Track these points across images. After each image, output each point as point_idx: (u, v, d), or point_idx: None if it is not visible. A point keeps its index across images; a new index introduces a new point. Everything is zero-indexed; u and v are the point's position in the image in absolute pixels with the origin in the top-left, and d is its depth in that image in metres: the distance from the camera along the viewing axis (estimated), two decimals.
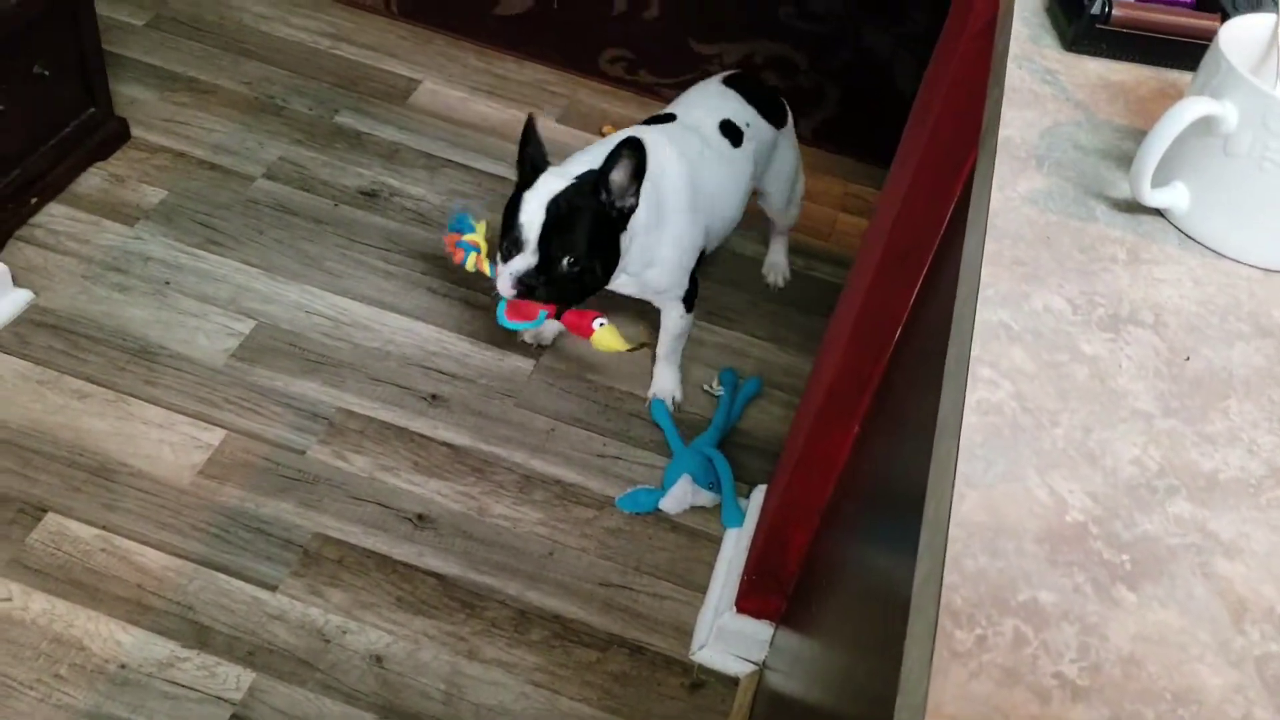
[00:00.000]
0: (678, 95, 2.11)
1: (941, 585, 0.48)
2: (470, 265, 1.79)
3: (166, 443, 1.78)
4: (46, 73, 1.97)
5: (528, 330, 2.03)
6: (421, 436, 1.87)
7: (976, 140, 0.83)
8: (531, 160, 1.73)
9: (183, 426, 1.81)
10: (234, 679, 1.54)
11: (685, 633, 1.70)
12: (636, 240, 1.77)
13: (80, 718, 1.47)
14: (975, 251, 0.66)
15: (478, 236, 1.80)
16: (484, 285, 2.10)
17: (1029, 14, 0.85)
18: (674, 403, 1.99)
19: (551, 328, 2.04)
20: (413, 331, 2.03)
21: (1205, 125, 0.65)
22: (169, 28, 2.55)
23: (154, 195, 2.16)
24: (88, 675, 1.51)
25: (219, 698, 1.52)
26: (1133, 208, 0.70)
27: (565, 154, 1.84)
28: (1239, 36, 0.68)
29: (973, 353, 0.58)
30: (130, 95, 2.35)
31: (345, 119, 2.42)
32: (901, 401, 1.08)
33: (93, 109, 2.14)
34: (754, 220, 2.30)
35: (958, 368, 0.59)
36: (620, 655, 1.66)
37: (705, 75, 2.41)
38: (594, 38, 2.61)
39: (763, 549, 1.57)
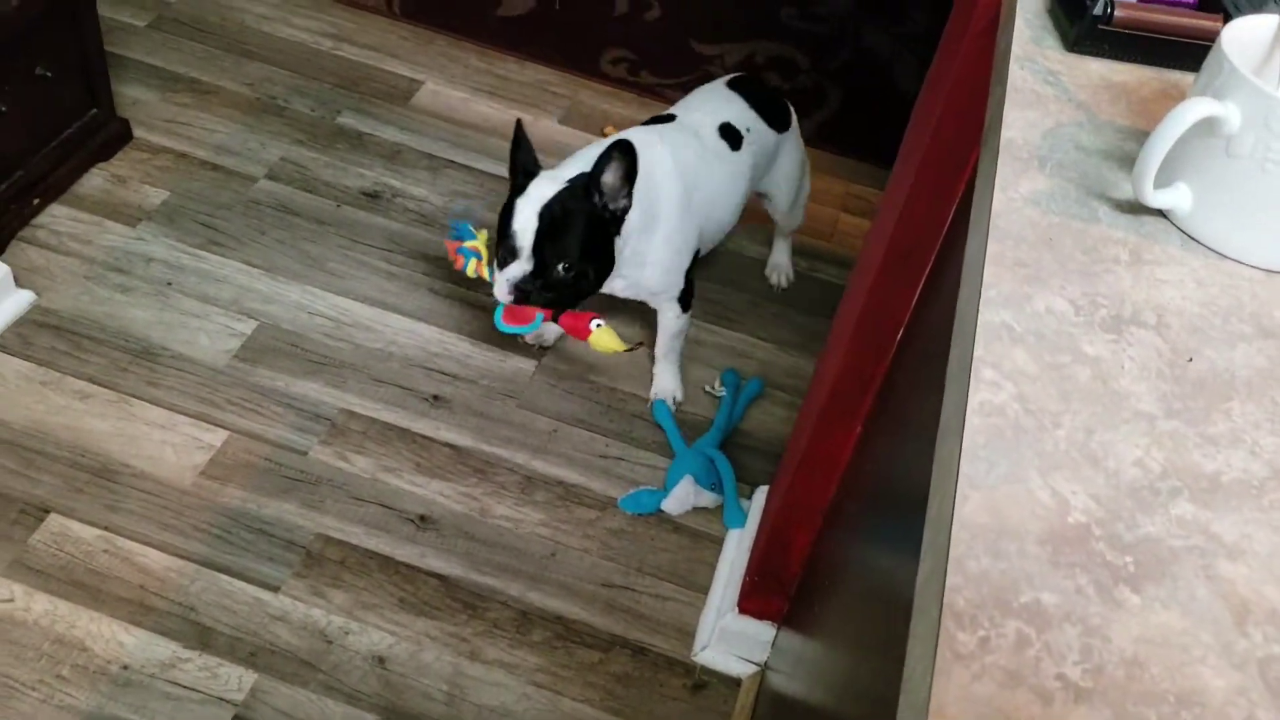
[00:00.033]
0: (679, 96, 2.11)
1: (944, 586, 0.48)
2: (471, 271, 1.81)
3: (168, 443, 1.78)
4: (48, 74, 1.97)
5: (529, 332, 2.03)
6: (424, 437, 1.87)
7: (979, 140, 0.83)
8: (523, 166, 1.74)
9: (185, 427, 1.81)
10: (236, 680, 1.54)
11: (687, 634, 1.70)
12: (630, 242, 1.78)
13: (82, 718, 1.47)
14: (977, 253, 0.66)
15: (478, 243, 1.81)
16: (485, 289, 2.10)
17: (1031, 15, 0.85)
18: (675, 402, 1.99)
19: (553, 330, 2.04)
20: (415, 332, 2.03)
21: (1208, 126, 0.65)
22: (171, 29, 2.55)
23: (156, 196, 2.16)
24: (90, 676, 1.51)
25: (221, 699, 1.52)
26: (1135, 209, 0.70)
27: (567, 155, 1.84)
28: (1241, 37, 0.68)
29: (975, 354, 0.58)
30: (132, 96, 2.35)
31: (347, 120, 2.42)
32: (904, 402, 1.08)
33: (95, 110, 2.14)
34: (756, 221, 2.30)
35: (960, 369, 0.59)
36: (622, 656, 1.66)
37: (707, 76, 2.42)
38: (595, 38, 2.61)
39: (765, 550, 1.57)
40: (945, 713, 0.43)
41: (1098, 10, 0.80)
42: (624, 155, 1.67)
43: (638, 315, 2.08)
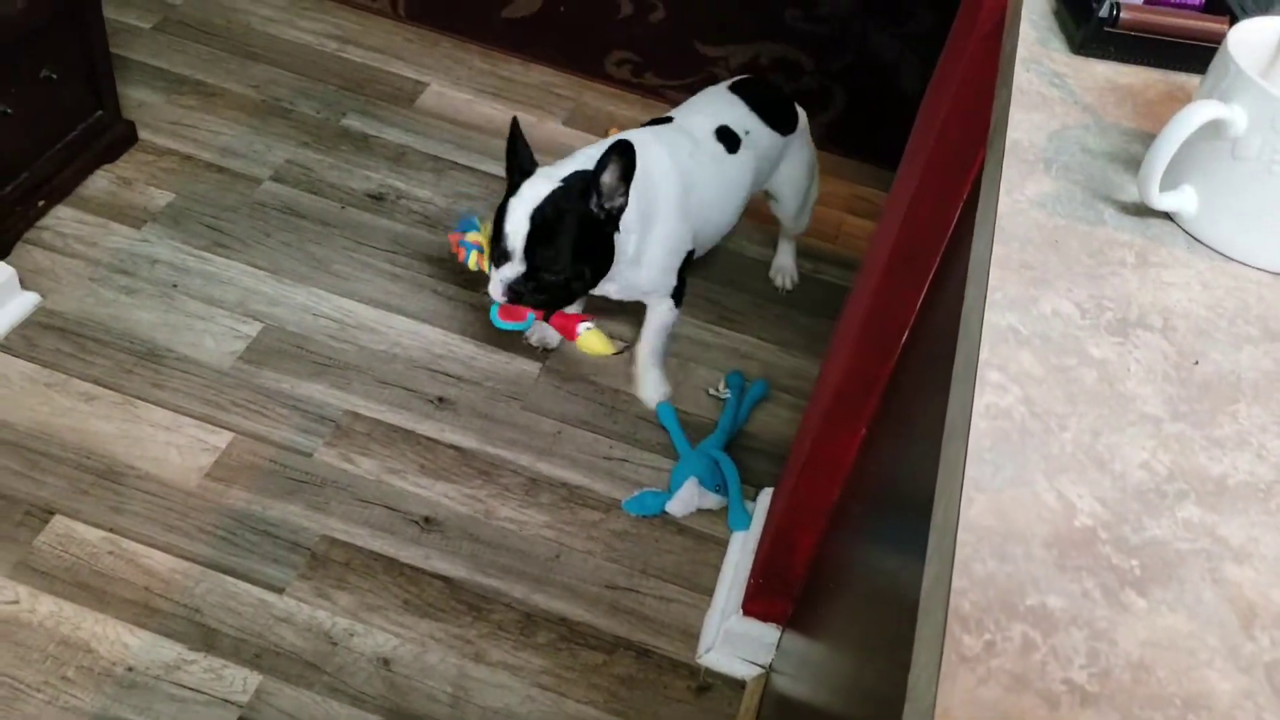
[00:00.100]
0: (683, 98, 2.11)
1: (950, 590, 0.47)
2: (472, 264, 1.83)
3: (173, 445, 1.78)
4: (54, 76, 1.97)
5: (534, 334, 2.03)
6: (428, 439, 1.87)
7: (984, 142, 0.83)
8: (520, 164, 1.75)
9: (190, 429, 1.81)
10: (241, 681, 1.54)
11: (692, 636, 1.70)
12: (629, 241, 1.78)
13: None
14: (983, 255, 0.66)
15: (481, 236, 1.82)
16: (487, 285, 2.11)
17: (1037, 17, 0.85)
18: (662, 398, 1.98)
19: (556, 332, 2.04)
20: (419, 334, 2.03)
21: (1214, 129, 0.64)
22: (176, 31, 2.56)
23: (161, 198, 2.17)
24: (95, 677, 1.51)
25: (226, 700, 1.52)
26: (1141, 211, 0.70)
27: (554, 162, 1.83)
28: (1248, 39, 0.68)
29: (981, 356, 0.58)
30: (137, 98, 2.36)
31: (352, 121, 2.42)
32: (908, 404, 1.08)
33: (100, 112, 2.14)
34: (759, 223, 2.30)
35: (966, 371, 0.59)
36: (627, 658, 1.65)
37: (711, 78, 2.42)
38: (600, 40, 2.61)
39: (769, 552, 1.57)
40: (951, 716, 0.43)
41: (1104, 12, 0.80)
42: (622, 155, 1.68)
43: (632, 315, 2.08)
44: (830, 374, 1.40)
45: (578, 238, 1.71)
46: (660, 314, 1.94)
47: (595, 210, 1.71)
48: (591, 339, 1.80)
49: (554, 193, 1.71)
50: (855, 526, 1.22)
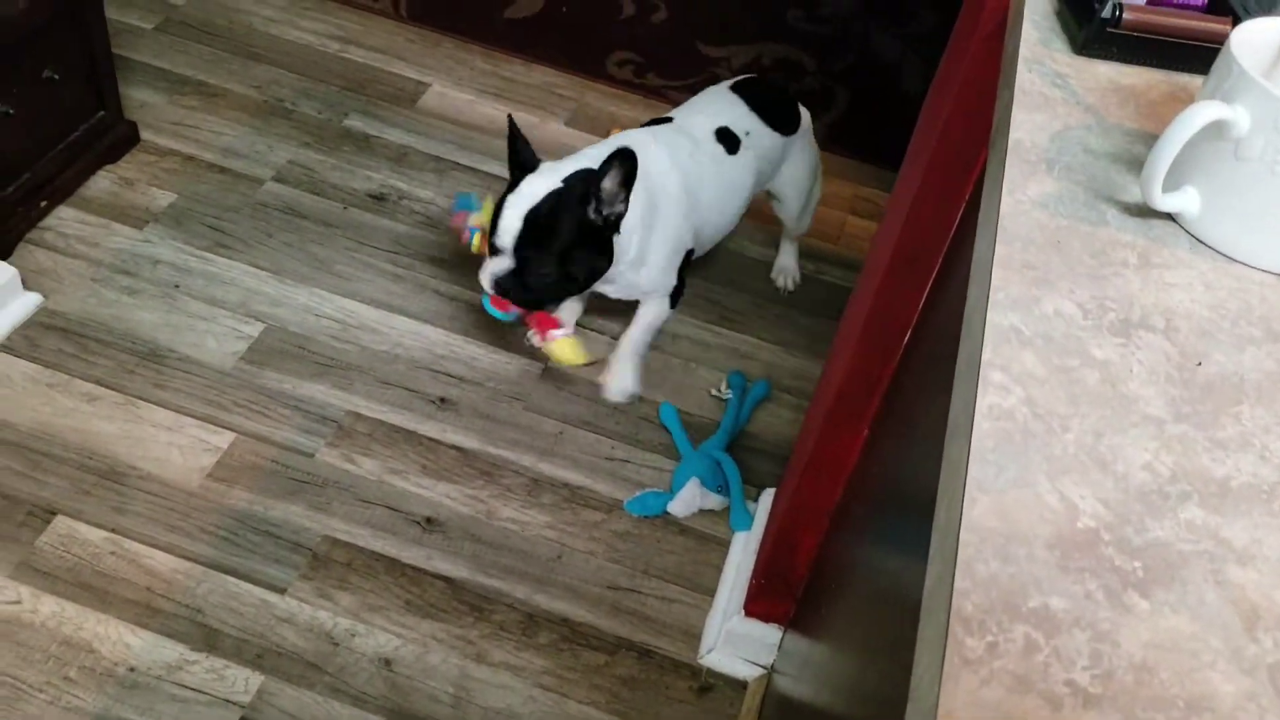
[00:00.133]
0: (685, 98, 2.11)
1: (952, 591, 0.47)
2: (475, 246, 1.84)
3: (175, 445, 1.78)
4: (56, 76, 1.97)
5: (538, 335, 2.03)
6: (430, 440, 1.87)
7: (986, 143, 0.83)
8: (521, 161, 1.75)
9: (191, 429, 1.81)
10: (243, 682, 1.54)
11: (694, 636, 1.69)
12: (632, 242, 1.78)
13: None
14: (985, 255, 0.65)
15: (483, 217, 1.83)
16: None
17: (1039, 17, 0.85)
18: (628, 398, 1.97)
19: (559, 331, 2.04)
20: (421, 334, 2.03)
21: (1217, 129, 0.64)
22: (178, 31, 2.56)
23: (163, 198, 2.17)
24: (97, 678, 1.51)
25: (228, 700, 1.52)
26: (1143, 212, 0.69)
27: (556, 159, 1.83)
28: (1251, 40, 0.68)
29: (983, 357, 0.58)
30: (139, 99, 2.36)
31: (354, 122, 2.42)
32: (911, 404, 1.08)
33: (102, 112, 2.14)
34: (761, 223, 2.30)
35: (968, 372, 0.59)
36: (628, 659, 1.65)
37: (713, 78, 2.42)
38: (602, 41, 2.61)
39: (771, 552, 1.57)
40: (953, 717, 0.43)
41: (1106, 13, 0.80)
42: (624, 162, 1.67)
43: (629, 315, 2.07)
44: (832, 374, 1.39)
45: (570, 242, 1.72)
46: (653, 311, 1.94)
47: (593, 215, 1.71)
48: (563, 347, 1.83)
49: (552, 194, 1.71)
50: (857, 527, 1.22)
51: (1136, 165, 0.72)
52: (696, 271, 2.13)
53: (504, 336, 2.04)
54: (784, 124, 2.03)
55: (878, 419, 1.31)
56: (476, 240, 1.83)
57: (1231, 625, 0.48)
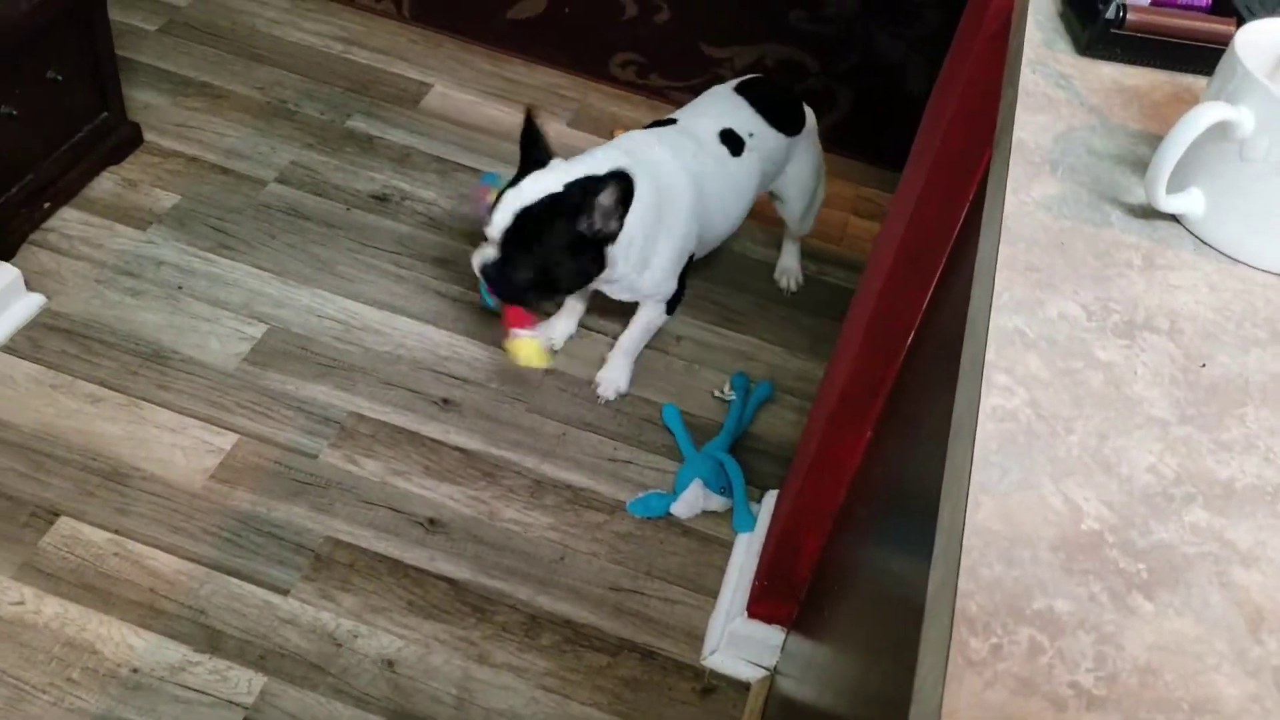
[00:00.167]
0: (688, 98, 2.10)
1: (956, 593, 0.47)
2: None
3: (179, 447, 1.78)
4: (60, 78, 1.98)
5: (539, 335, 2.04)
6: (433, 441, 1.87)
7: (990, 144, 0.83)
8: (533, 155, 1.76)
9: (195, 430, 1.81)
10: (245, 683, 1.54)
11: (696, 638, 1.69)
12: (636, 246, 1.78)
13: None
14: (989, 257, 0.65)
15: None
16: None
17: (1043, 18, 0.85)
18: (618, 395, 1.98)
19: (562, 332, 2.05)
20: (424, 336, 2.03)
21: (1221, 130, 0.64)
22: (182, 33, 2.56)
23: (166, 200, 2.17)
24: (100, 679, 1.51)
25: (231, 702, 1.52)
26: (1148, 213, 0.69)
27: (566, 159, 1.83)
28: (1255, 41, 0.68)
29: (987, 359, 0.58)
30: (143, 100, 2.36)
31: (357, 123, 2.42)
32: (914, 406, 1.08)
33: (106, 114, 2.15)
34: (764, 224, 2.30)
35: (972, 374, 0.59)
36: (631, 660, 1.65)
37: (716, 79, 2.42)
38: (605, 41, 2.61)
39: (774, 554, 1.57)
40: (957, 719, 0.43)
41: (1110, 14, 0.80)
42: (620, 182, 1.67)
43: (627, 315, 2.07)
44: (835, 376, 1.39)
45: (555, 250, 1.72)
46: (650, 314, 1.94)
47: (584, 228, 1.71)
48: (523, 347, 1.84)
49: (549, 197, 1.71)
50: (860, 529, 1.21)
51: (1140, 166, 0.72)
52: (699, 273, 2.13)
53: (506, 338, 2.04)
54: (788, 124, 2.03)
55: (881, 420, 1.31)
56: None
57: (1236, 627, 0.48)
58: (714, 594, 1.74)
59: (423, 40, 2.68)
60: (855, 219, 2.47)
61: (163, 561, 1.64)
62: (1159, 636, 0.47)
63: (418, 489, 1.80)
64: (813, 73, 2.54)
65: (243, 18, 2.63)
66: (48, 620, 1.56)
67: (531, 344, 1.84)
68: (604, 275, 1.81)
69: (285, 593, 1.64)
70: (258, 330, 1.97)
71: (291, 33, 2.62)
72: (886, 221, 1.31)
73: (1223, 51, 0.67)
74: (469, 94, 2.56)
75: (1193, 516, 0.52)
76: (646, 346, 2.03)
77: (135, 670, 1.53)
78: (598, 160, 1.77)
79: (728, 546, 1.81)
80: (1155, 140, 0.72)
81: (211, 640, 1.57)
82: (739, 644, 1.64)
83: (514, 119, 2.50)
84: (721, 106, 1.99)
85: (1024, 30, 0.83)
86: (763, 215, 2.24)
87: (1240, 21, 0.80)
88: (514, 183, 1.74)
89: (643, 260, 1.82)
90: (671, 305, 1.94)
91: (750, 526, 1.80)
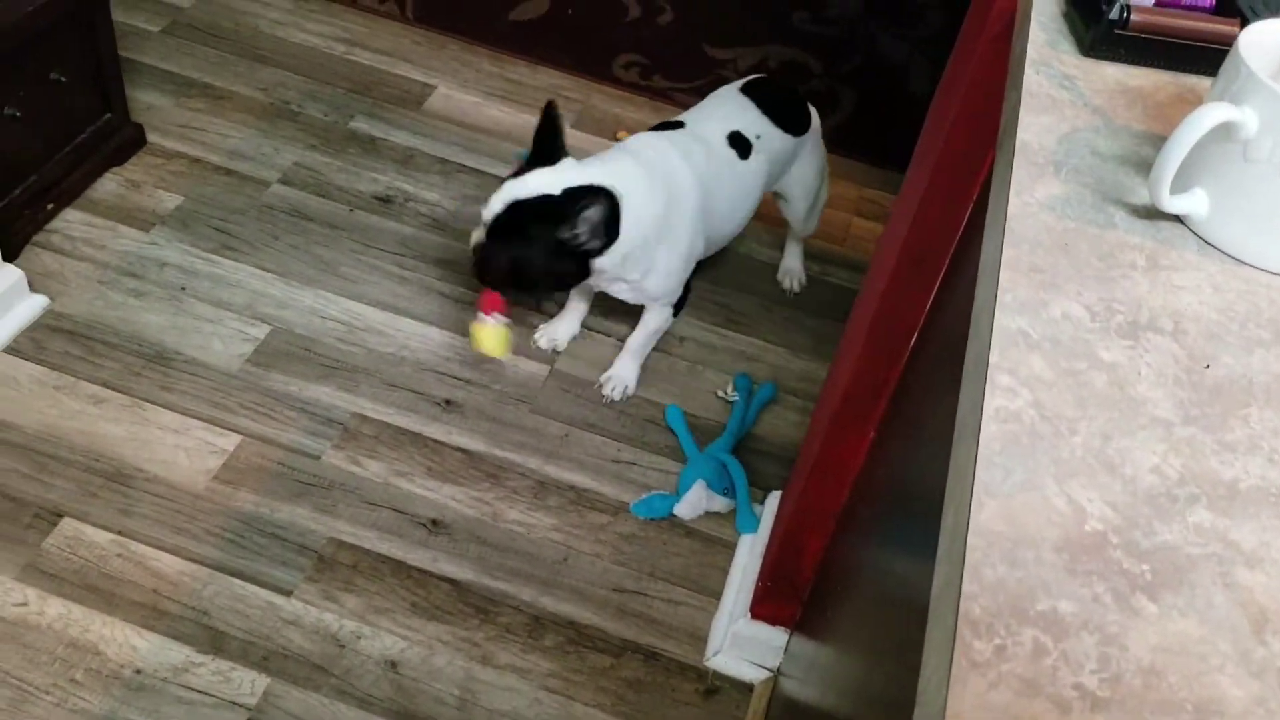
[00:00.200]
0: (691, 100, 2.11)
1: (960, 594, 0.47)
2: None
3: (182, 448, 1.79)
4: (63, 79, 1.98)
5: (542, 337, 2.04)
6: (436, 442, 1.87)
7: (993, 145, 0.83)
8: (546, 150, 1.76)
9: (198, 431, 1.81)
10: (249, 684, 1.54)
11: (700, 639, 1.69)
12: (645, 251, 1.78)
13: None
14: (993, 258, 0.65)
15: None
16: None
17: (1046, 19, 0.85)
18: (625, 394, 1.98)
19: (565, 334, 2.04)
20: (427, 337, 2.03)
21: (1225, 131, 0.64)
22: (184, 34, 2.56)
23: (170, 201, 2.17)
24: (103, 680, 1.51)
25: (234, 703, 1.52)
26: (1151, 214, 0.69)
27: (578, 159, 1.83)
28: (1259, 41, 0.67)
29: (991, 360, 0.58)
30: (146, 101, 2.36)
31: (360, 124, 2.42)
32: (917, 407, 1.08)
33: (109, 115, 2.15)
34: (767, 225, 2.30)
35: (975, 375, 0.59)
36: (634, 661, 1.65)
37: (719, 80, 2.42)
38: (608, 43, 2.61)
39: (778, 555, 1.57)
40: None
41: (1114, 14, 0.80)
42: (606, 200, 1.69)
43: (633, 316, 2.07)
44: (838, 376, 1.39)
45: (534, 251, 1.73)
46: (656, 318, 1.95)
47: (566, 237, 1.71)
48: (485, 333, 1.84)
49: (543, 198, 1.71)
50: (864, 530, 1.21)
51: (1144, 167, 0.72)
52: (703, 274, 2.12)
53: (511, 339, 2.04)
54: (794, 125, 2.02)
55: (884, 421, 1.31)
56: None
57: (1240, 628, 0.48)
58: (717, 595, 1.74)
59: (426, 41, 2.68)
60: (858, 220, 2.47)
61: (166, 562, 1.64)
62: (1163, 638, 0.47)
63: (421, 490, 1.80)
64: (816, 74, 2.54)
65: (246, 19, 2.64)
66: (51, 621, 1.56)
67: (494, 331, 1.85)
68: (601, 280, 1.83)
69: (288, 594, 1.64)
70: (261, 331, 1.98)
71: (294, 34, 2.62)
72: (890, 222, 1.31)
73: (1226, 52, 0.67)
74: (472, 95, 2.57)
75: (1197, 517, 0.52)
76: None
77: (138, 671, 1.53)
78: (607, 166, 1.77)
79: (731, 547, 1.81)
80: (1159, 141, 0.72)
81: (214, 641, 1.57)
82: (742, 645, 1.64)
83: (517, 120, 2.50)
84: (728, 108, 1.98)
85: (1027, 31, 0.83)
86: (766, 216, 2.24)
87: (1244, 22, 0.80)
88: (519, 173, 1.75)
89: (647, 266, 1.82)
90: (677, 308, 1.95)
91: (753, 527, 1.80)
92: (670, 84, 2.63)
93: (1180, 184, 0.67)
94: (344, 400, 1.90)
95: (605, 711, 1.59)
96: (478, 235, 1.79)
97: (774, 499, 1.80)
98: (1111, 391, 0.57)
